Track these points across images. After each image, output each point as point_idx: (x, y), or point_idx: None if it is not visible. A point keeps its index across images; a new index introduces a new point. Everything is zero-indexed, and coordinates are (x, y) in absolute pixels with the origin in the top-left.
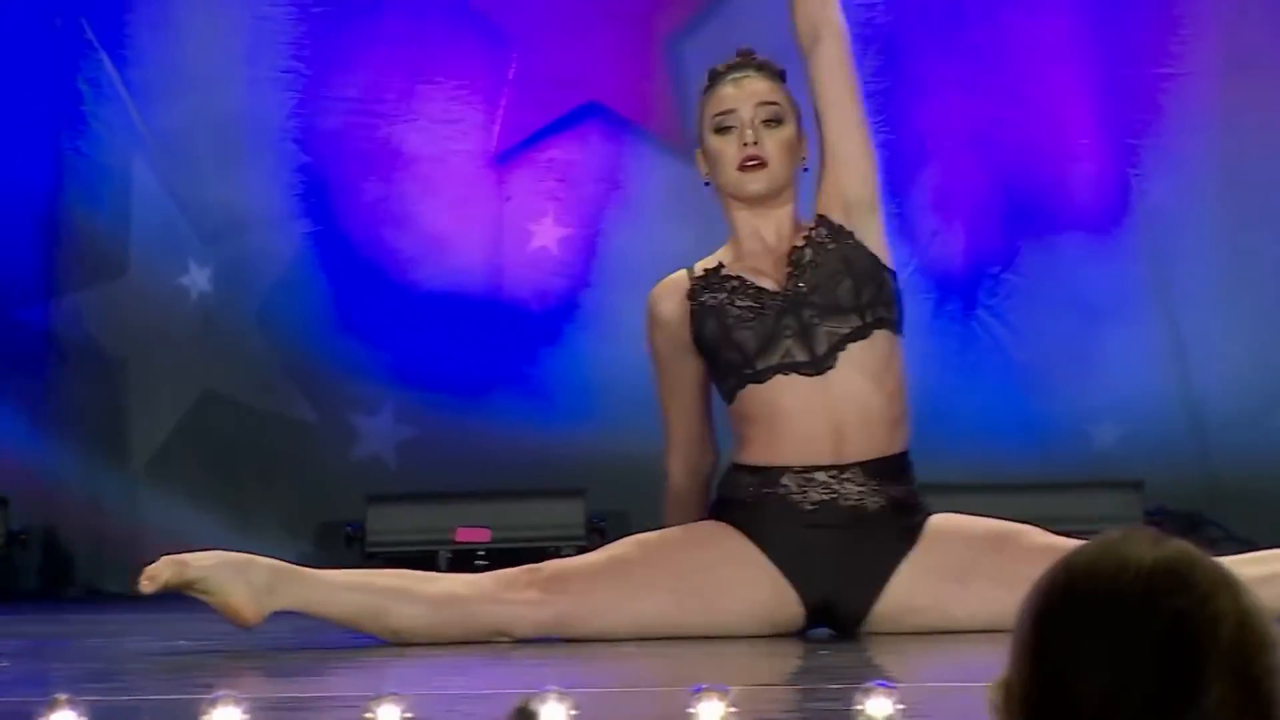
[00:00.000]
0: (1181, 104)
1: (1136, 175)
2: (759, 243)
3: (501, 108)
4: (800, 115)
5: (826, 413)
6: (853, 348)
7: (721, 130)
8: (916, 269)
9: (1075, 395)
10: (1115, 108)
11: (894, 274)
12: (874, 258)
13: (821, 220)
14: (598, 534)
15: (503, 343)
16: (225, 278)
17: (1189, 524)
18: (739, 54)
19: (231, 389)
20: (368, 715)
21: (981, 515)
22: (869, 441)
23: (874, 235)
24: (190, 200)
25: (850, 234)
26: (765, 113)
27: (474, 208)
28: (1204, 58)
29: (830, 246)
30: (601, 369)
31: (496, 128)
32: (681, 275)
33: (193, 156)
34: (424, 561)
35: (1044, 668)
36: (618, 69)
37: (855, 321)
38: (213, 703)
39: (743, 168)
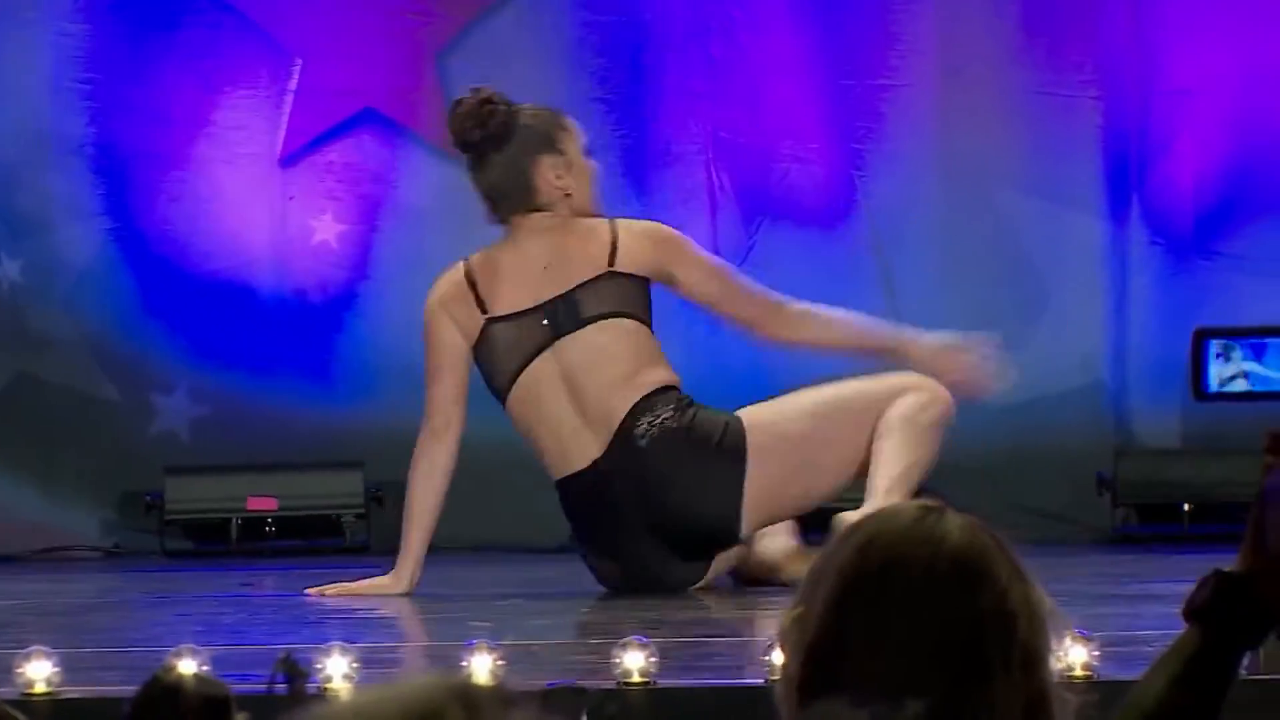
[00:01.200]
0: (901, 111)
1: (861, 176)
2: None
3: (285, 114)
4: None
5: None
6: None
7: (589, 155)
8: None
9: (805, 377)
10: (841, 115)
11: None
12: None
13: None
14: (376, 502)
15: (288, 329)
16: (34, 270)
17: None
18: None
19: (41, 371)
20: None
21: None
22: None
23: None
24: (1, 200)
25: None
26: None
27: (261, 206)
28: (920, 69)
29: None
30: (378, 353)
31: (280, 133)
32: None
33: (3, 160)
34: (217, 528)
35: (852, 629)
36: (391, 79)
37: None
38: (25, 656)
39: None
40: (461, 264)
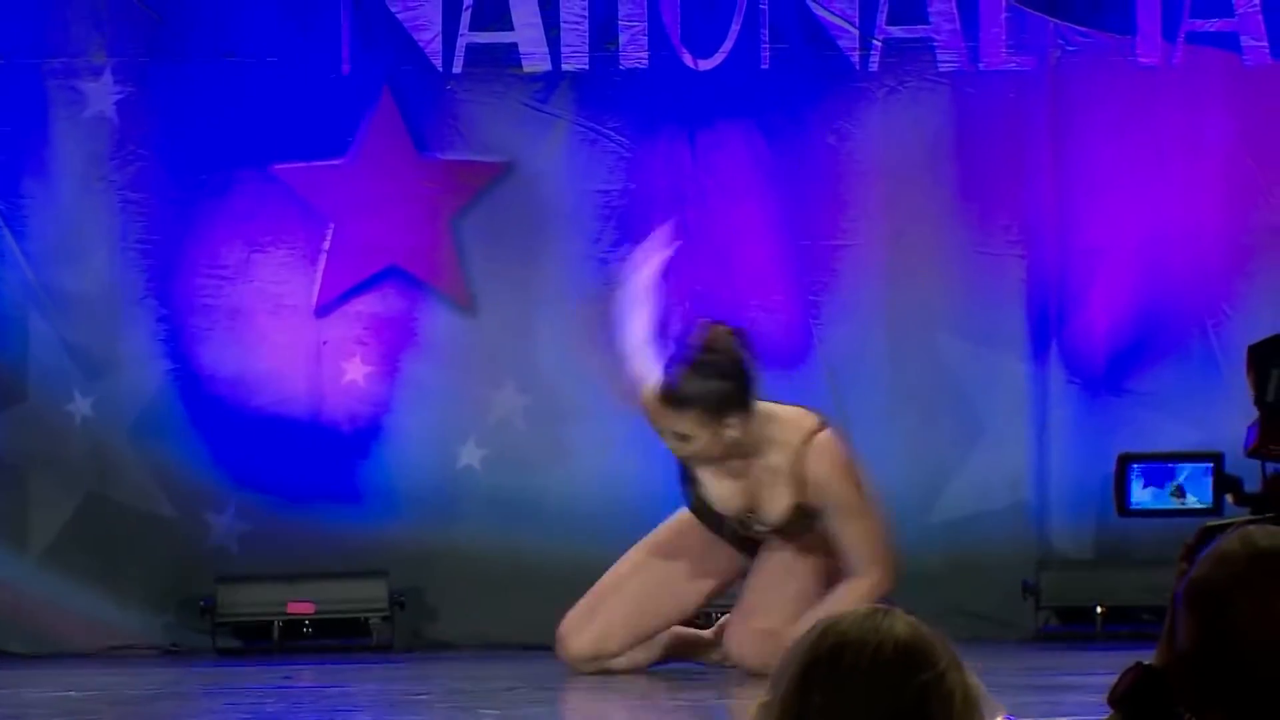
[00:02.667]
0: (852, 267)
1: (817, 324)
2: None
3: (320, 271)
4: (713, 410)
5: None
6: None
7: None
8: None
9: None
10: (800, 272)
11: None
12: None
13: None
14: (398, 606)
15: (322, 456)
16: (104, 405)
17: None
18: (673, 362)
19: (111, 492)
20: None
21: None
22: None
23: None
24: (75, 343)
25: None
26: (677, 442)
27: (299, 350)
28: (870, 231)
29: None
30: (399, 476)
31: (316, 287)
32: None
33: (77, 309)
34: (262, 629)
35: (811, 707)
36: (412, 239)
37: None
38: None
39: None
40: None
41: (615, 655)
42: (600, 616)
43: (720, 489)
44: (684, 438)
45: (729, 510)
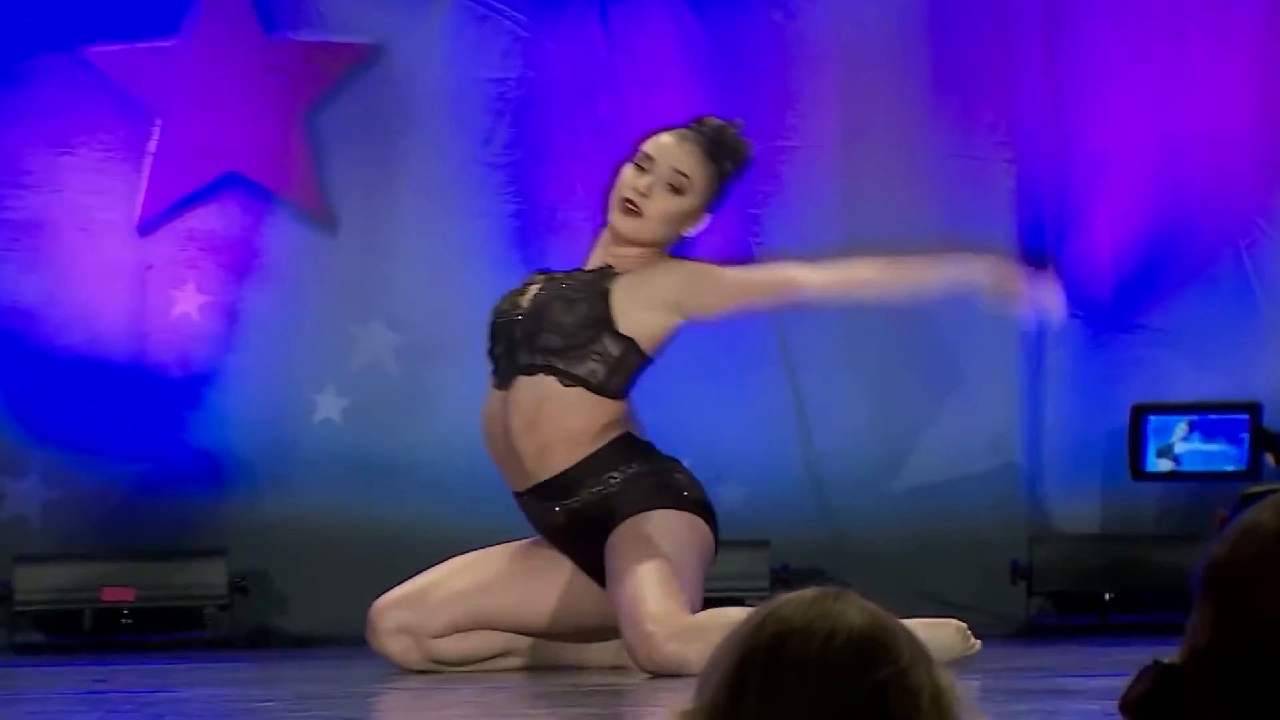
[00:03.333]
0: (801, 176)
1: (759, 243)
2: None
3: (143, 178)
4: (710, 199)
5: (503, 426)
6: (522, 379)
7: (639, 164)
8: None
9: (701, 456)
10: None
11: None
12: (607, 320)
13: (604, 271)
14: (240, 592)
15: (147, 407)
16: None
17: (814, 582)
18: (699, 120)
19: None
20: None
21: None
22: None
23: (637, 314)
24: None
25: (607, 292)
26: (673, 178)
27: (117, 276)
28: (821, 131)
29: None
30: (242, 433)
31: (139, 197)
32: None
33: None
34: (70, 619)
35: (744, 711)
36: (257, 140)
37: (528, 359)
38: None
39: (622, 205)
40: None
41: (434, 635)
42: (418, 592)
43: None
44: (677, 186)
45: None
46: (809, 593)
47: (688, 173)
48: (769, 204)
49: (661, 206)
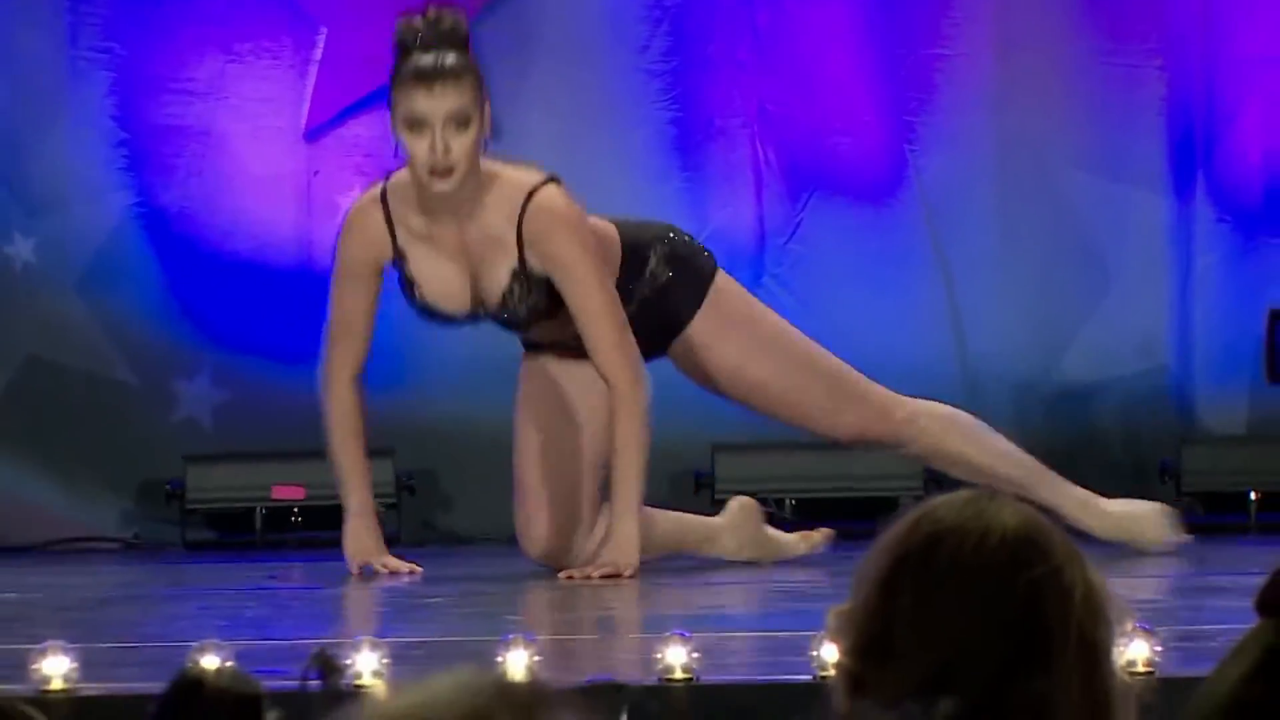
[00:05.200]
0: (955, 83)
1: (913, 151)
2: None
3: (309, 85)
4: (485, 97)
5: None
6: None
7: (413, 128)
8: (708, 237)
9: (858, 359)
10: (892, 87)
11: None
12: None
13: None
14: (407, 491)
15: (313, 311)
16: (48, 248)
17: (971, 486)
18: (429, 40)
19: (56, 354)
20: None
21: (777, 475)
22: None
23: None
24: (13, 175)
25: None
26: (455, 118)
27: (284, 182)
28: (976, 40)
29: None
30: (407, 335)
31: (305, 105)
32: None
33: (14, 134)
34: (241, 518)
35: (896, 611)
36: None
37: None
38: (41, 652)
39: (432, 173)
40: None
41: (573, 546)
42: (533, 515)
43: (441, 278)
44: (464, 125)
45: (456, 306)
46: (963, 494)
47: (464, 104)
48: (922, 111)
49: (463, 142)
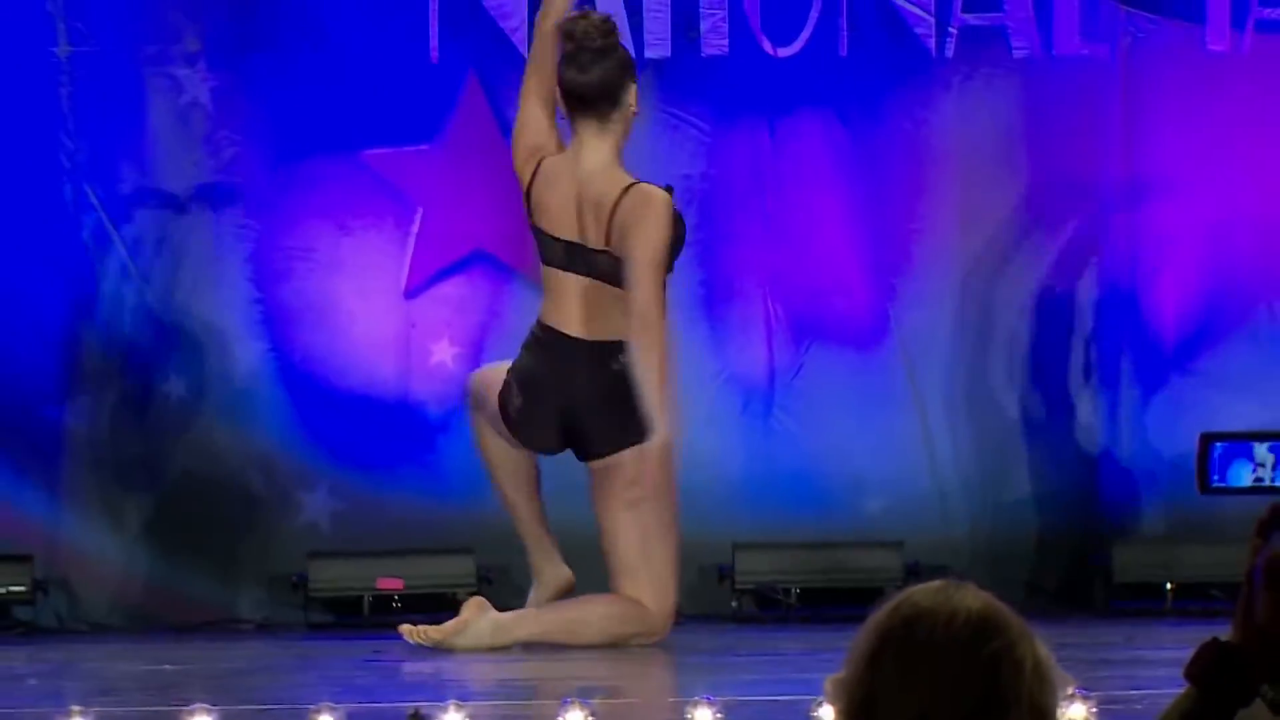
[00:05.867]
0: (928, 251)
1: (894, 308)
2: None
3: (409, 254)
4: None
5: None
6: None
7: None
8: (728, 377)
9: (849, 474)
10: (876, 255)
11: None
12: None
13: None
14: (485, 582)
15: (410, 435)
16: (198, 385)
17: (942, 577)
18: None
19: (204, 470)
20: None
21: (786, 569)
22: None
23: None
24: (172, 325)
25: None
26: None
27: (387, 333)
28: (944, 216)
29: None
30: None
31: (405, 270)
32: None
33: (173, 292)
34: (353, 604)
35: (880, 679)
36: (499, 224)
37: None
38: (190, 713)
39: None
40: (538, 161)
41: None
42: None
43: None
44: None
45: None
46: (935, 583)
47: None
48: (901, 276)
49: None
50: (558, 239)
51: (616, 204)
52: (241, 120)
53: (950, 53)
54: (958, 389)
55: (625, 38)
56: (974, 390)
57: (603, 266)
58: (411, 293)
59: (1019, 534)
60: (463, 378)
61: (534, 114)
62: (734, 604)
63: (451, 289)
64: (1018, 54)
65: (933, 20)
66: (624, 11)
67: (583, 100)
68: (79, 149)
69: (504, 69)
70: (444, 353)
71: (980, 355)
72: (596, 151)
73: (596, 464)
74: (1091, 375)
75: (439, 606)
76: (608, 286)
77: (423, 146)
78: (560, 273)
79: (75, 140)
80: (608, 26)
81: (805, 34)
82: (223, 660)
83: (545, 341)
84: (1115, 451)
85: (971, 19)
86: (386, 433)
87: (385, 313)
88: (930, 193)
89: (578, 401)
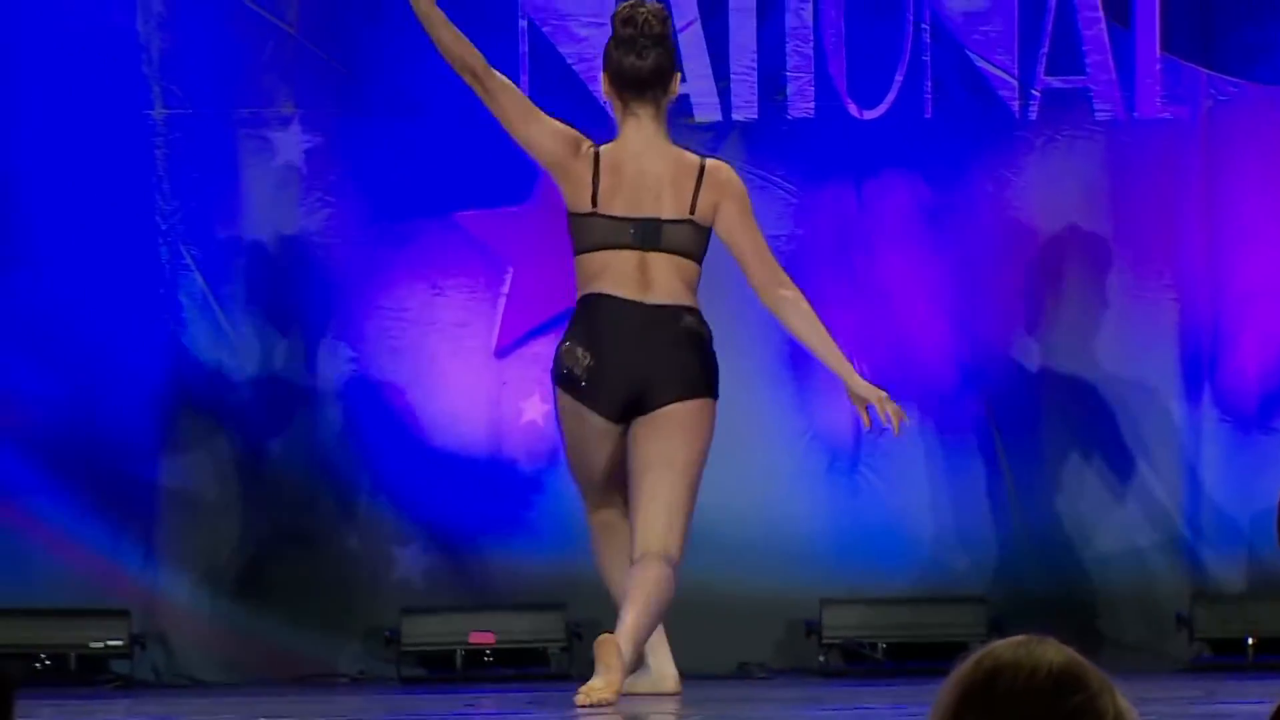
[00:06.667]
0: (1013, 310)
1: (979, 364)
2: None
3: (499, 313)
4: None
5: None
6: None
7: None
8: (814, 435)
9: (934, 530)
10: (963, 313)
11: None
12: None
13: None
14: (576, 637)
15: (502, 491)
16: (294, 442)
17: (1024, 631)
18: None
19: (300, 526)
20: None
21: (873, 624)
22: None
23: None
24: (266, 383)
25: None
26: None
27: (479, 391)
28: (1029, 274)
29: None
30: (574, 510)
31: (496, 329)
32: None
33: (269, 351)
34: (445, 658)
35: None
36: None
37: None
38: None
39: None
40: (593, 152)
41: None
42: None
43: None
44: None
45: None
46: (1017, 637)
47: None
48: (987, 334)
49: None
50: (631, 219)
51: (700, 176)
52: (335, 181)
53: (1034, 115)
54: (1044, 446)
55: (713, 99)
56: (1057, 447)
57: (678, 237)
58: (502, 351)
59: (1101, 589)
60: (552, 435)
61: (545, 121)
62: (821, 658)
63: (541, 347)
64: (1100, 116)
65: (1016, 83)
66: (711, 75)
67: (644, 84)
68: (174, 210)
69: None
70: (534, 410)
71: (1065, 412)
72: (658, 132)
73: (658, 412)
74: (1174, 432)
75: (530, 661)
76: (674, 257)
77: (514, 208)
78: (623, 253)
79: (170, 201)
80: (665, 14)
81: (890, 96)
82: (317, 714)
83: (609, 307)
84: (1197, 508)
85: (1055, 81)
86: (478, 489)
87: (477, 371)
88: (1014, 251)
89: (649, 354)
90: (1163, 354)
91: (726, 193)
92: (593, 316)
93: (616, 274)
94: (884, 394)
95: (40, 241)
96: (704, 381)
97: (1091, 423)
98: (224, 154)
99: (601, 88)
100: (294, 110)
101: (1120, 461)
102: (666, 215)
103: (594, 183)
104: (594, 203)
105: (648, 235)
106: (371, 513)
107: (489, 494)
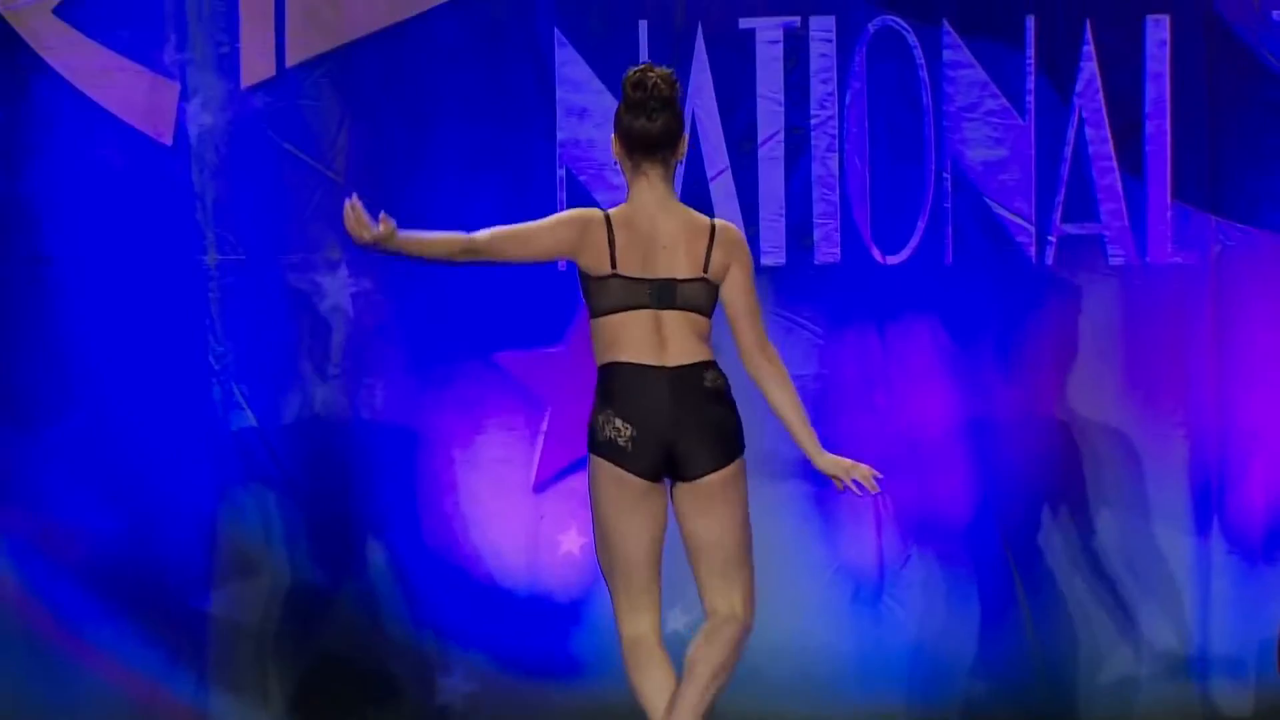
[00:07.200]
0: (1028, 449)
1: (999, 498)
2: None
3: (538, 451)
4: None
5: None
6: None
7: None
8: (839, 567)
9: (957, 657)
10: (983, 450)
11: None
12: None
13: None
14: None
15: (539, 622)
16: (340, 574)
17: None
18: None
19: (345, 653)
20: None
21: None
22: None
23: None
24: (314, 518)
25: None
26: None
27: (518, 524)
28: (1044, 413)
29: None
30: (611, 640)
31: (535, 466)
32: None
33: (315, 486)
34: None
35: None
36: None
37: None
38: None
39: None
40: (603, 216)
41: None
42: None
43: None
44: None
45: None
46: None
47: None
48: (1005, 469)
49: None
50: (648, 280)
51: (712, 235)
52: (380, 324)
53: (1050, 260)
54: (1057, 574)
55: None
56: (1071, 577)
57: (691, 294)
58: (540, 486)
59: (1116, 714)
60: (590, 566)
61: (544, 228)
62: None
63: (578, 482)
64: (1114, 261)
65: (1033, 229)
66: (742, 221)
67: (655, 146)
68: (227, 350)
69: None
70: (571, 543)
71: (1077, 543)
72: (668, 191)
73: (699, 483)
74: (1184, 564)
75: None
76: (687, 314)
77: (551, 349)
78: (640, 313)
79: (223, 342)
80: (673, 78)
81: (913, 243)
82: None
83: (633, 375)
84: (1203, 637)
85: (1070, 228)
86: (517, 619)
87: (515, 505)
88: (1029, 390)
89: (678, 419)
90: (1173, 488)
91: (735, 255)
92: (623, 387)
93: (634, 338)
94: (849, 463)
95: (100, 383)
96: (736, 442)
97: (1103, 551)
98: (274, 297)
99: (612, 149)
100: (340, 255)
101: (1131, 591)
102: (681, 275)
103: (610, 245)
104: (613, 264)
105: (664, 295)
106: (414, 641)
107: (527, 624)
